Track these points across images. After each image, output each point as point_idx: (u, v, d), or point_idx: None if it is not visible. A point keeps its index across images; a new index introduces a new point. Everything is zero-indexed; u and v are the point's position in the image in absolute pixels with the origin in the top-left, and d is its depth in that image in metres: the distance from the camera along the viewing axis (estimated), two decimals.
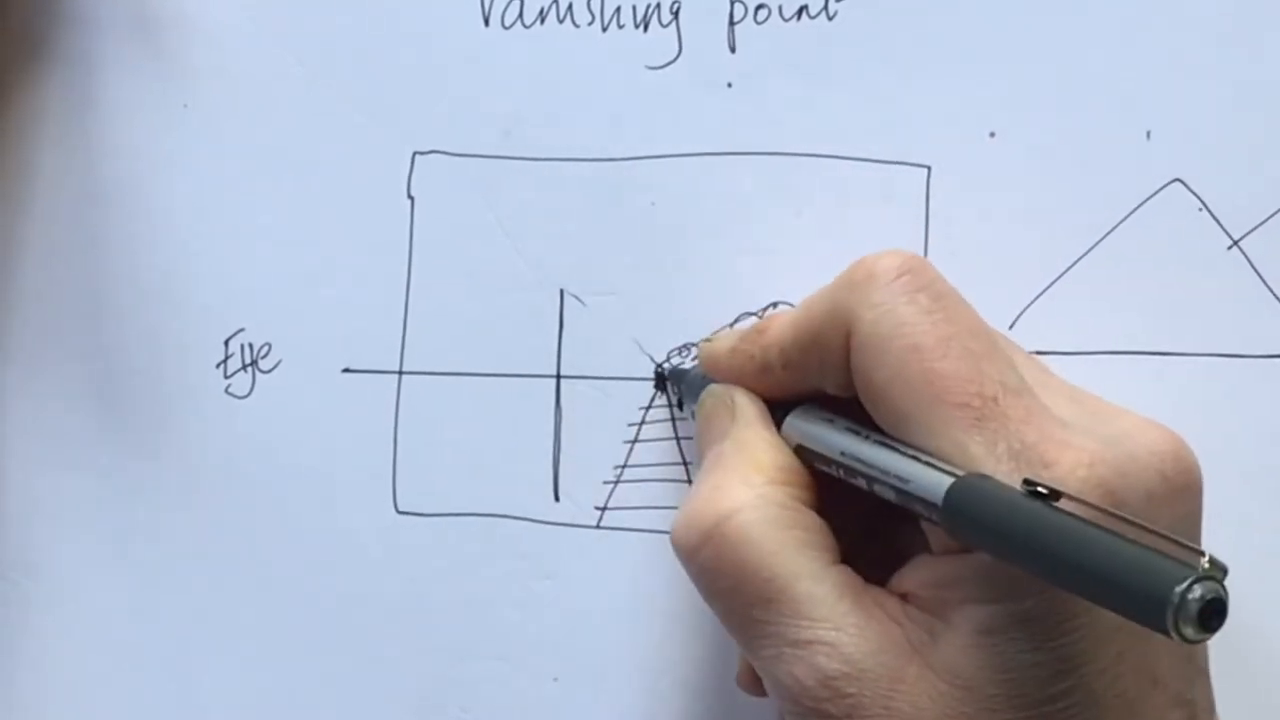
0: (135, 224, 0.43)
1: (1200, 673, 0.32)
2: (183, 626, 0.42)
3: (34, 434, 0.44)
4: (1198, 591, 0.24)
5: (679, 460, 0.40)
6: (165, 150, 0.43)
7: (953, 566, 0.31)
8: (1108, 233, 0.38)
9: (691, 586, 0.39)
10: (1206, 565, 0.25)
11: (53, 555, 0.43)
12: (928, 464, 0.30)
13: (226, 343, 0.43)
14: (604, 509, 0.40)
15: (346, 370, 0.42)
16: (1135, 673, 0.30)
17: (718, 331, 0.38)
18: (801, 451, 0.34)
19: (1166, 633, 0.24)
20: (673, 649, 0.40)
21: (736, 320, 0.39)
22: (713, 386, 0.37)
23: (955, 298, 0.33)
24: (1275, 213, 0.37)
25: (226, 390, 0.43)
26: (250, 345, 0.42)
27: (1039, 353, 0.38)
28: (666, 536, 0.39)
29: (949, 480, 0.29)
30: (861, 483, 0.32)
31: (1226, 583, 0.25)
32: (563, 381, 0.41)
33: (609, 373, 0.40)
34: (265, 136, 0.43)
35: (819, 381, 0.34)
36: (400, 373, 0.42)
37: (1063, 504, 0.28)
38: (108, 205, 0.44)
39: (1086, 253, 0.38)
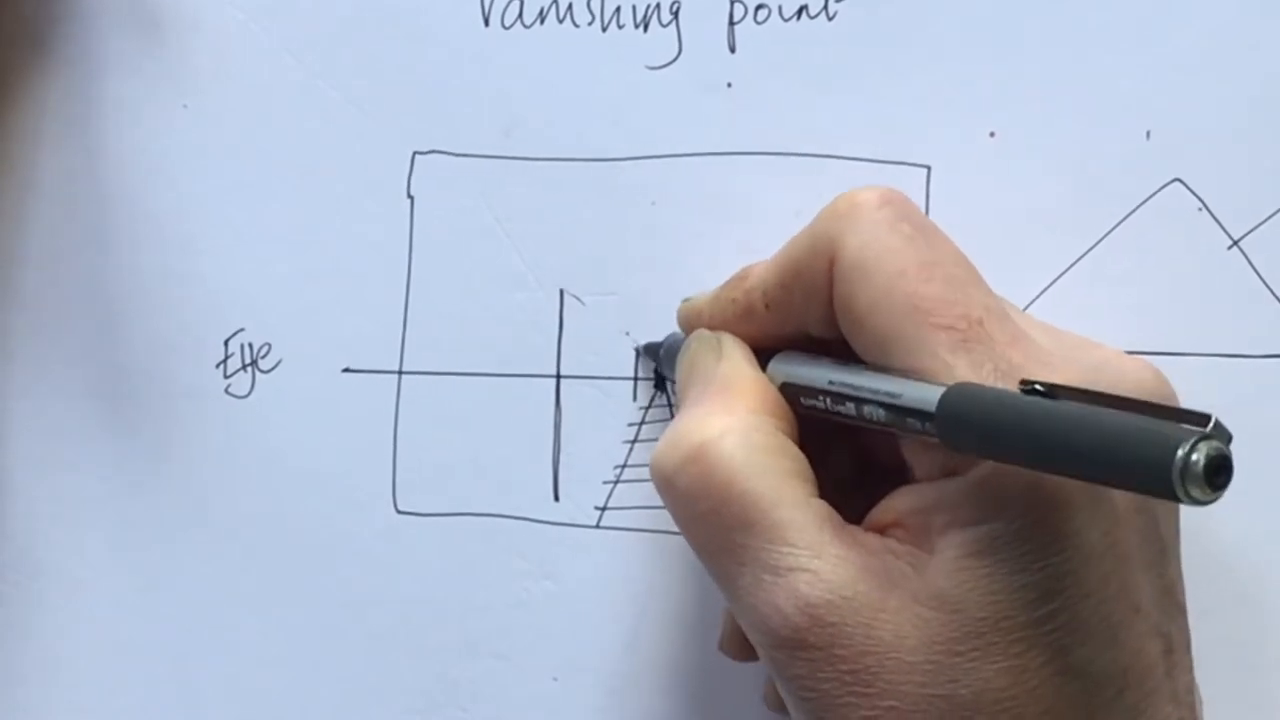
0: (135, 224, 0.43)
1: (1179, 609, 0.32)
2: (183, 626, 0.42)
3: (34, 434, 0.44)
4: (1202, 450, 0.24)
5: None
6: (165, 150, 0.43)
7: (937, 491, 0.31)
8: (1108, 233, 0.38)
9: (691, 587, 0.39)
10: (1210, 428, 0.25)
11: (53, 555, 0.43)
12: (917, 380, 0.30)
13: (226, 343, 0.43)
14: (604, 509, 0.40)
15: (346, 370, 0.42)
16: (1118, 598, 0.30)
17: (692, 296, 0.38)
18: (787, 390, 0.34)
19: (1175, 496, 0.24)
20: (672, 649, 0.40)
21: None
22: (700, 331, 0.36)
23: (936, 228, 0.33)
24: (1275, 213, 0.37)
25: (226, 390, 0.43)
26: (250, 345, 0.42)
27: None
28: (667, 536, 0.39)
29: (941, 389, 0.29)
30: (850, 408, 0.32)
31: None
32: (563, 381, 0.41)
33: (609, 373, 0.40)
34: (265, 136, 0.43)
35: (802, 320, 0.34)
36: (400, 373, 0.42)
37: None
38: (108, 205, 0.44)
39: (1086, 253, 0.38)
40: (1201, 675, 0.32)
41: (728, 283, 0.36)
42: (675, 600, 0.40)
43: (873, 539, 0.31)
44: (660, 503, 0.38)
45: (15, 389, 0.44)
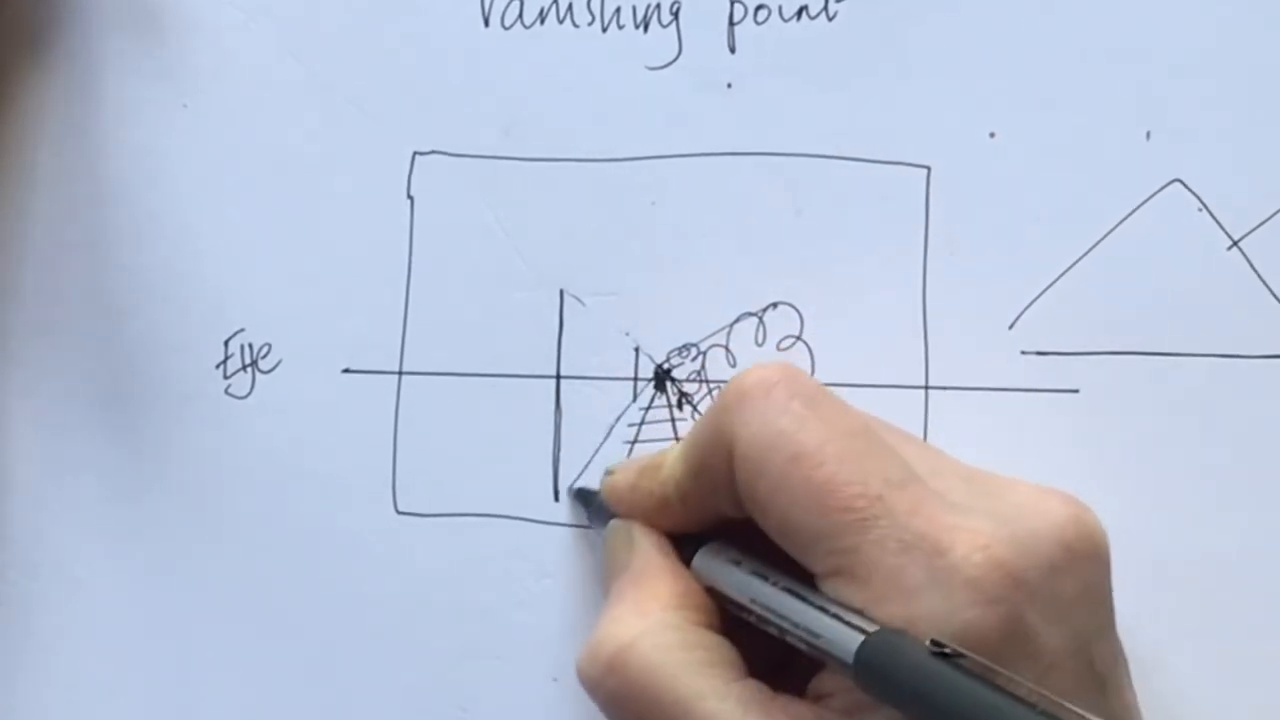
0: (135, 224, 0.43)
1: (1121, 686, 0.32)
2: (183, 626, 0.42)
3: (34, 434, 0.44)
4: None
5: None
6: (165, 150, 0.43)
7: None
8: (1108, 233, 0.38)
9: None
10: None
11: (53, 555, 0.43)
12: (835, 617, 0.31)
13: (226, 343, 0.43)
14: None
15: (346, 370, 0.42)
16: None
17: (619, 464, 0.38)
18: (714, 593, 0.35)
19: None
20: None
21: (737, 320, 0.39)
22: (614, 523, 0.37)
23: (830, 400, 0.33)
24: (1275, 213, 0.37)
25: (226, 390, 0.43)
26: (250, 345, 0.42)
27: (1039, 353, 0.38)
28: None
29: (859, 638, 0.30)
30: (774, 630, 0.33)
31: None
32: (563, 381, 0.41)
33: (609, 373, 0.40)
34: (265, 136, 0.43)
35: (717, 509, 0.35)
36: (400, 373, 0.42)
37: (969, 663, 0.29)
38: (108, 205, 0.44)
39: (1086, 253, 0.38)
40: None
41: (644, 471, 0.37)
42: None
43: (804, 709, 0.32)
44: None
45: (15, 389, 0.44)
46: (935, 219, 0.38)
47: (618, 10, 0.41)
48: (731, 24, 0.40)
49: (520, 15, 0.41)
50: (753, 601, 0.33)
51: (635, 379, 0.40)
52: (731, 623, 0.34)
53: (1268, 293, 0.37)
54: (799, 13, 0.40)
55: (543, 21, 0.41)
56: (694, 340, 0.40)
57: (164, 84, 0.43)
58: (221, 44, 0.43)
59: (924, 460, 0.33)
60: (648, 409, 0.40)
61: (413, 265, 0.42)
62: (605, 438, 0.40)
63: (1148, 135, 0.37)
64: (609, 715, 0.34)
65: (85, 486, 0.43)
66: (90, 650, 0.43)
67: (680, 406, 0.40)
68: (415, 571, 0.41)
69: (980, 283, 0.38)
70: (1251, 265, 0.37)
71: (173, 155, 0.43)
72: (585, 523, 0.40)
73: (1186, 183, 0.37)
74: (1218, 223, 0.37)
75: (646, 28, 0.41)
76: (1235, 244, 0.37)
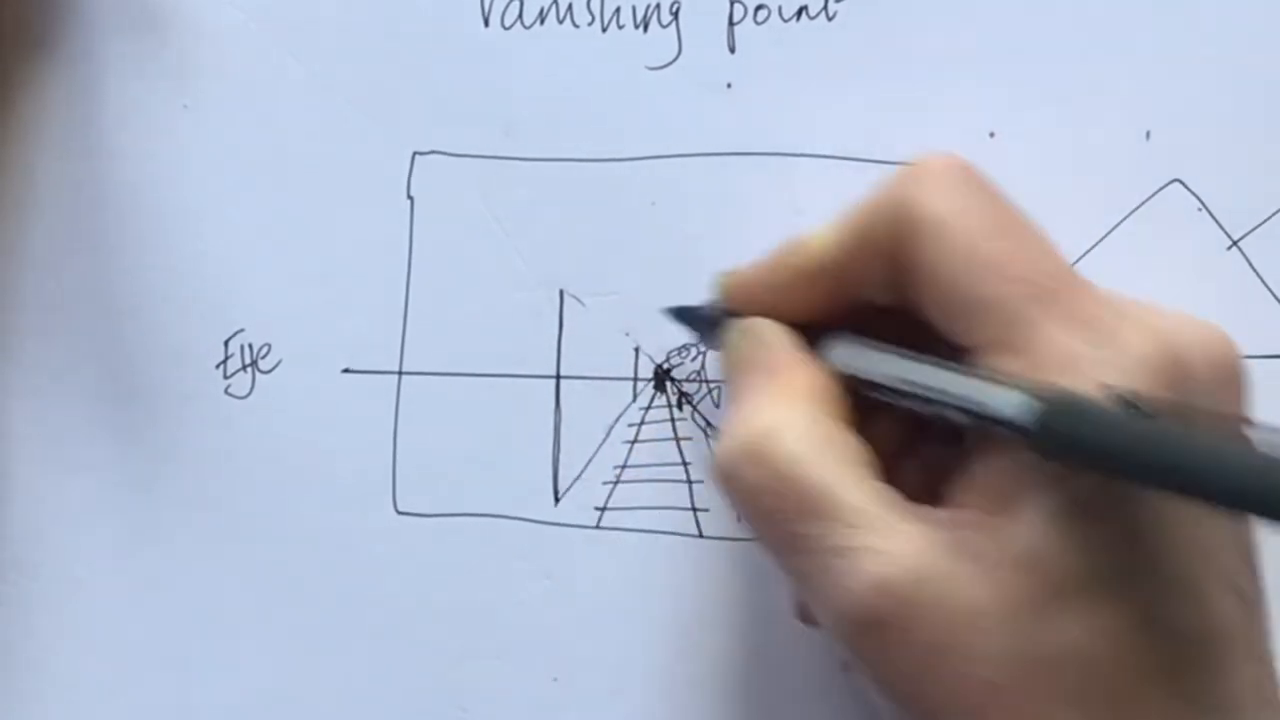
0: (135, 224, 0.43)
1: (1253, 570, 0.32)
2: (182, 626, 0.42)
3: (34, 434, 0.44)
4: None
5: (679, 460, 0.40)
6: (165, 150, 0.43)
7: (1013, 456, 0.30)
8: (1108, 233, 0.38)
9: (691, 586, 0.39)
10: None
11: (53, 555, 0.43)
12: (998, 382, 0.30)
13: (226, 343, 0.43)
14: (604, 509, 0.40)
15: (346, 370, 0.42)
16: (1201, 557, 0.30)
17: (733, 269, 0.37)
18: (850, 380, 0.34)
19: None
20: (673, 649, 0.40)
21: None
22: (740, 321, 0.36)
23: (1005, 195, 0.33)
24: (1275, 213, 0.37)
25: (226, 390, 0.43)
26: (250, 345, 0.43)
27: None
28: (667, 537, 0.39)
29: (1030, 401, 0.29)
30: (925, 408, 0.32)
31: None
32: (563, 381, 0.41)
33: (609, 373, 0.40)
34: (265, 136, 0.43)
35: (862, 285, 0.34)
36: (400, 373, 0.42)
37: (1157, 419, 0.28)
38: (108, 205, 0.44)
39: (1086, 253, 0.38)
40: None
41: (780, 249, 0.35)
42: (675, 600, 0.40)
43: (940, 513, 0.31)
44: (660, 503, 0.38)
45: (16, 389, 0.44)
46: None
47: (618, 10, 0.41)
48: (731, 24, 0.40)
49: (520, 15, 0.41)
50: (904, 381, 0.32)
51: (635, 379, 0.40)
52: (866, 431, 0.33)
53: (1268, 293, 0.37)
54: (799, 13, 0.40)
55: (543, 21, 0.41)
56: (694, 340, 0.40)
57: (165, 85, 0.43)
58: (222, 44, 0.43)
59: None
60: (648, 409, 0.40)
61: (413, 265, 0.42)
62: (605, 438, 0.40)
63: (1148, 135, 0.37)
64: (741, 507, 0.33)
65: (85, 486, 0.43)
66: (90, 650, 0.43)
67: (680, 406, 0.40)
68: (415, 571, 0.41)
69: None
70: (1251, 265, 0.37)
71: (173, 156, 0.43)
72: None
73: (1186, 183, 0.37)
74: (1218, 223, 0.37)
75: (646, 28, 0.41)
76: (1235, 244, 0.37)
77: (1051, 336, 0.30)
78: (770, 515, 0.32)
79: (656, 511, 0.40)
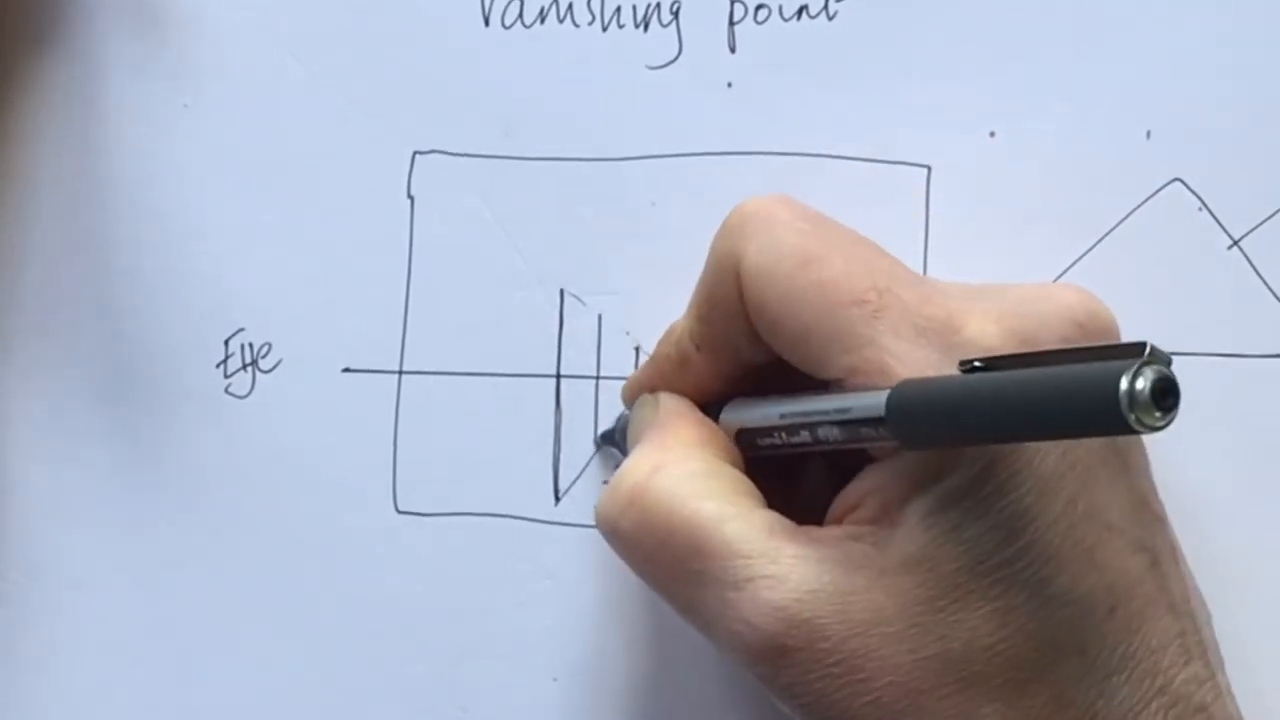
0: (135, 223, 0.43)
1: (1157, 520, 0.32)
2: (183, 626, 0.42)
3: (34, 433, 0.44)
4: (1146, 376, 0.24)
5: None
6: (166, 150, 0.43)
7: (890, 466, 0.31)
8: (1108, 233, 0.38)
9: None
10: (1147, 355, 0.25)
11: (53, 555, 0.43)
12: (862, 390, 0.30)
13: (226, 343, 0.43)
14: None
15: (346, 370, 0.42)
16: (1088, 520, 0.30)
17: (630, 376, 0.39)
18: (742, 437, 0.34)
19: (1130, 428, 0.24)
20: (673, 649, 0.40)
21: None
22: (642, 396, 0.37)
23: (828, 219, 0.33)
24: (1275, 213, 0.37)
25: (226, 390, 0.43)
26: (250, 345, 0.43)
27: None
28: None
29: (885, 394, 0.29)
30: (805, 436, 0.32)
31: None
32: (563, 381, 0.41)
33: (609, 373, 0.40)
34: (265, 136, 0.43)
35: (733, 347, 0.34)
36: (400, 373, 0.42)
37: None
38: (108, 205, 0.44)
39: (1086, 253, 0.38)
40: None
41: (658, 343, 0.37)
42: None
43: (827, 531, 0.31)
44: None
45: (15, 388, 0.44)
46: (935, 219, 0.38)
47: (618, 10, 0.41)
48: (731, 24, 0.40)
49: (520, 15, 0.41)
50: (781, 416, 0.33)
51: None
52: (764, 477, 0.34)
53: (1268, 292, 0.37)
54: (799, 12, 0.40)
55: (543, 21, 0.41)
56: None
57: (165, 84, 0.43)
58: (222, 44, 0.43)
59: (925, 277, 0.33)
60: None
61: (413, 265, 0.42)
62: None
63: (1148, 135, 0.37)
64: (627, 555, 0.33)
65: (85, 487, 0.43)
66: (90, 650, 0.43)
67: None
68: (415, 571, 0.41)
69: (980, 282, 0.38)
70: (1252, 265, 0.37)
71: (173, 155, 0.43)
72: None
73: (1186, 182, 0.37)
74: (1218, 222, 0.37)
75: (646, 27, 0.41)
76: (1235, 244, 0.37)
77: (894, 349, 0.30)
78: (657, 557, 0.32)
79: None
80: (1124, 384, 0.24)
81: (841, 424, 0.31)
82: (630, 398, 0.38)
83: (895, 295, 0.31)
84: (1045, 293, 0.32)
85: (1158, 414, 0.24)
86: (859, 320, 0.31)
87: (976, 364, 0.28)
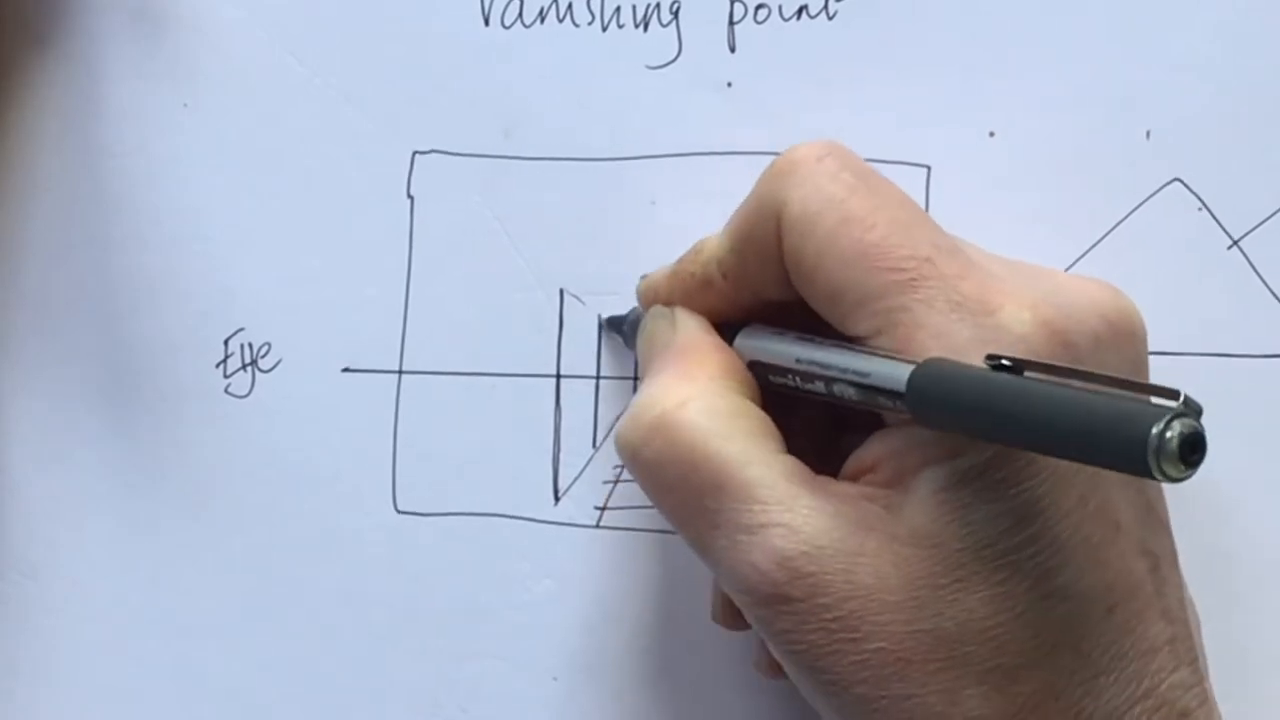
0: (135, 223, 0.43)
1: (1162, 525, 0.32)
2: (183, 625, 0.42)
3: (34, 433, 0.44)
4: (1176, 428, 0.24)
5: None
6: (165, 150, 0.43)
7: (909, 434, 0.31)
8: (1108, 233, 0.38)
9: (691, 585, 0.39)
10: (1180, 405, 0.25)
11: (53, 555, 0.43)
12: (885, 357, 0.30)
13: (226, 342, 0.43)
14: (604, 509, 0.40)
15: (346, 370, 0.42)
16: (1097, 517, 0.30)
17: (650, 273, 0.38)
18: (755, 367, 0.34)
19: (1151, 475, 0.24)
20: (673, 649, 0.40)
21: None
22: (655, 307, 0.37)
23: (878, 175, 0.33)
24: (1275, 213, 0.37)
25: (226, 390, 0.43)
26: (250, 345, 0.42)
27: None
28: (667, 536, 0.40)
29: (909, 368, 0.29)
30: (819, 386, 0.32)
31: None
32: (563, 381, 0.41)
33: (609, 373, 0.40)
34: (265, 136, 0.43)
35: (759, 285, 0.34)
36: (400, 372, 0.42)
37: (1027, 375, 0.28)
38: (107, 205, 0.44)
39: (1086, 253, 0.38)
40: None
41: (684, 257, 0.36)
42: (675, 600, 0.40)
43: (845, 487, 0.31)
44: None
45: (15, 388, 0.44)
46: (935, 219, 0.38)
47: (618, 10, 0.41)
48: (731, 23, 0.40)
49: (520, 15, 0.41)
50: (798, 361, 0.33)
51: (635, 379, 0.40)
52: (773, 406, 0.34)
53: (1268, 292, 0.37)
54: (799, 12, 0.40)
55: (543, 21, 0.41)
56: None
57: (164, 84, 0.43)
58: (221, 44, 0.43)
59: (965, 244, 0.33)
60: None
61: (413, 265, 0.42)
62: (605, 437, 0.40)
63: (1148, 135, 0.37)
64: (645, 482, 0.33)
65: (85, 486, 0.43)
66: (90, 649, 0.43)
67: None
68: (415, 571, 0.41)
69: None
70: (1251, 265, 0.37)
71: (173, 155, 0.43)
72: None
73: (1186, 182, 0.37)
74: (1218, 222, 0.37)
75: (646, 27, 0.41)
76: (1235, 244, 0.37)
77: (926, 321, 0.30)
78: (676, 488, 0.32)
79: (656, 511, 0.40)
80: (1154, 431, 0.24)
81: (859, 386, 0.31)
82: (645, 301, 0.38)
83: (934, 266, 0.31)
84: (1079, 285, 0.32)
85: (1182, 466, 0.24)
86: (894, 287, 0.31)
87: (1005, 362, 0.28)
